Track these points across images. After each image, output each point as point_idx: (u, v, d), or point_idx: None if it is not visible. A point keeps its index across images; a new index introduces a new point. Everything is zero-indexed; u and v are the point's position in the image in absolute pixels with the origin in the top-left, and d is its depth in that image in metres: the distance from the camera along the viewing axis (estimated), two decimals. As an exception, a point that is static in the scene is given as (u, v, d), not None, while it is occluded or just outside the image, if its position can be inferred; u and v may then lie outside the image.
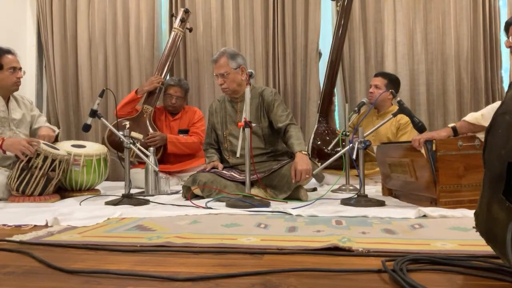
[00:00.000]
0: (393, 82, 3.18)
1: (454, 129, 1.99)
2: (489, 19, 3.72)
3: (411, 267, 0.98)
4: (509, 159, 0.88)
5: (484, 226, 0.99)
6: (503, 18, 3.71)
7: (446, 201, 1.90)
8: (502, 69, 3.74)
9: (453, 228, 1.47)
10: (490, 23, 3.73)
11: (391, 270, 0.93)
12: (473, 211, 1.69)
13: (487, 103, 3.64)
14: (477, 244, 1.16)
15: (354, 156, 2.13)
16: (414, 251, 1.13)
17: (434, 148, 1.91)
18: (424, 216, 1.72)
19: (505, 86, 3.69)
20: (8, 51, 2.63)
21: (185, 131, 3.46)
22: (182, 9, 3.64)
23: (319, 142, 3.23)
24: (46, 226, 1.61)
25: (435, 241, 1.26)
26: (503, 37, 3.67)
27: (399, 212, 1.79)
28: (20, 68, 2.65)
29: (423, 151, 1.92)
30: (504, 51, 3.70)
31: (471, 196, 1.89)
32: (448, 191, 1.91)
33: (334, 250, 1.17)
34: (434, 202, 1.94)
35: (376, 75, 3.29)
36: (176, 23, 3.60)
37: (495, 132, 0.92)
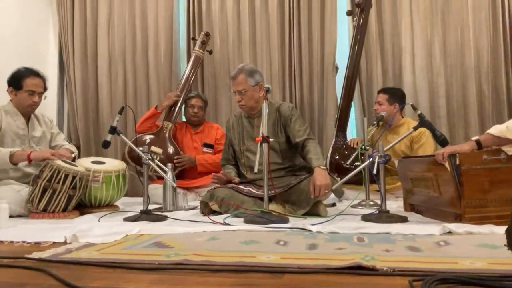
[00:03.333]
0: (395, 96, 3.15)
1: (478, 142, 1.93)
2: (509, 30, 3.65)
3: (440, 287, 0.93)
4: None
5: (517, 244, 0.94)
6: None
7: (471, 216, 1.83)
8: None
9: (480, 246, 1.41)
10: (510, 34, 3.66)
11: (419, 290, 0.89)
12: (501, 227, 1.64)
13: (510, 115, 3.55)
14: (509, 263, 1.11)
15: (374, 171, 2.08)
16: (441, 270, 1.08)
17: (457, 162, 1.85)
18: (449, 232, 1.66)
19: (529, 98, 3.60)
20: (35, 74, 2.68)
21: (210, 146, 3.51)
22: (203, 33, 3.73)
23: (337, 157, 3.19)
24: (65, 243, 1.61)
25: (463, 259, 1.20)
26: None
27: (423, 229, 1.73)
28: (41, 93, 2.70)
29: (447, 165, 1.87)
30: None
31: (498, 211, 1.82)
32: (473, 206, 1.84)
33: (357, 269, 1.13)
34: (459, 218, 1.88)
35: (378, 92, 3.27)
36: (197, 45, 3.70)
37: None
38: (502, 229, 1.60)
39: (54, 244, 1.59)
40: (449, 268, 1.12)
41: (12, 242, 1.66)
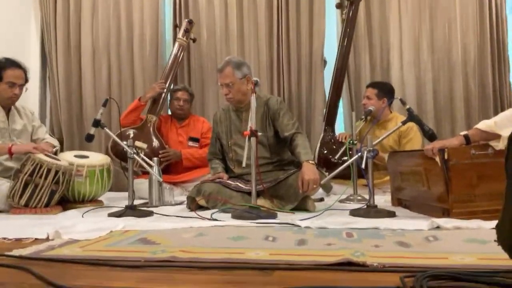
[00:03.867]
0: (384, 91, 3.14)
1: (466, 137, 1.93)
2: (496, 26, 3.69)
3: (431, 284, 0.92)
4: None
5: (508, 239, 0.93)
6: (510, 25, 3.67)
7: (459, 211, 1.84)
8: (510, 76, 3.69)
9: (469, 241, 1.41)
10: (497, 30, 3.69)
11: (411, 287, 0.88)
12: (489, 222, 1.65)
13: (495, 110, 3.59)
14: (498, 258, 1.10)
15: (363, 166, 2.07)
16: (432, 266, 1.07)
17: (446, 157, 1.85)
18: (438, 227, 1.66)
19: (514, 93, 3.64)
20: (16, 65, 2.59)
21: (196, 139, 3.45)
22: (186, 20, 3.64)
23: (325, 151, 3.18)
24: (47, 239, 1.56)
25: (453, 255, 1.20)
26: (511, 44, 3.64)
27: (412, 224, 1.73)
28: (22, 85, 2.61)
29: (437, 159, 1.87)
30: (513, 57, 3.65)
31: (486, 206, 1.83)
32: (461, 201, 1.85)
33: (347, 265, 1.11)
34: (446, 213, 1.88)
35: (367, 86, 3.26)
36: (180, 33, 3.60)
37: (519, 140, 0.87)
38: (489, 224, 1.62)
39: (36, 241, 1.54)
40: (440, 263, 1.11)
41: (-9, 238, 1.61)
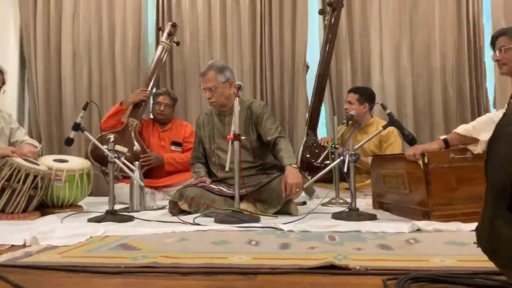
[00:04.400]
0: (365, 96, 3.18)
1: (445, 141, 1.97)
2: (473, 33, 3.78)
3: (413, 286, 0.93)
4: (513, 172, 0.84)
5: (487, 242, 0.95)
6: (486, 32, 3.77)
7: (439, 214, 1.87)
8: (487, 81, 3.79)
9: (449, 243, 1.43)
10: (474, 37, 3.79)
11: (393, 290, 0.88)
12: (467, 224, 1.69)
13: (473, 115, 3.68)
14: (477, 260, 1.13)
15: (345, 169, 2.09)
16: (413, 268, 1.08)
17: (426, 161, 1.89)
18: (418, 230, 1.68)
19: (490, 98, 3.73)
20: None
21: (179, 144, 3.42)
22: (170, 23, 3.62)
23: (308, 155, 3.19)
24: (24, 246, 1.52)
25: (433, 257, 1.22)
26: (487, 50, 3.73)
27: (393, 227, 1.75)
28: None
29: (420, 163, 1.90)
30: (489, 63, 3.75)
31: (464, 209, 1.87)
32: (440, 204, 1.88)
33: (330, 269, 1.12)
34: (426, 216, 1.91)
35: (349, 91, 3.28)
36: (164, 36, 3.58)
37: (498, 144, 0.89)
38: (468, 226, 1.66)
39: (12, 247, 1.50)
40: (421, 266, 1.13)
41: (-34, 245, 1.56)
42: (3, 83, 2.59)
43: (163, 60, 3.57)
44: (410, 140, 2.25)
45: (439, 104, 3.72)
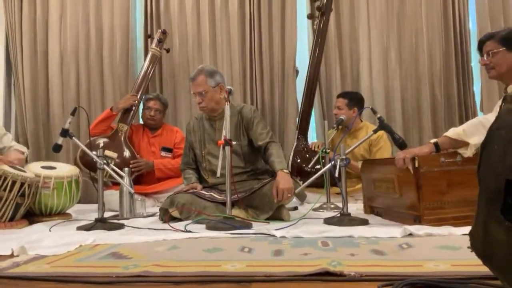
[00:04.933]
0: (354, 100, 3.20)
1: (436, 145, 1.98)
2: (460, 38, 3.82)
3: (409, 293, 0.93)
4: (506, 176, 0.84)
5: (481, 246, 0.95)
6: (473, 37, 3.83)
7: (430, 218, 1.88)
8: (474, 85, 3.83)
9: (442, 247, 1.43)
10: (461, 42, 3.83)
11: (389, 297, 0.88)
12: (459, 228, 1.69)
13: (461, 118, 3.72)
14: (470, 264, 1.13)
15: (337, 174, 2.09)
16: (408, 274, 1.08)
17: (416, 165, 1.89)
18: (410, 234, 1.68)
19: (477, 102, 3.78)
20: None
21: (169, 150, 3.40)
22: (160, 30, 3.61)
23: (298, 160, 3.19)
24: (12, 255, 1.49)
25: (427, 262, 1.22)
26: (473, 54, 3.78)
27: (385, 231, 1.75)
28: None
29: (410, 167, 1.91)
30: (476, 67, 3.80)
31: (455, 212, 1.88)
32: (431, 208, 1.89)
33: (325, 275, 1.11)
34: (418, 220, 1.91)
35: (338, 96, 3.30)
36: (154, 43, 3.56)
37: (490, 148, 0.89)
38: (460, 230, 1.67)
39: (0, 258, 1.46)
40: (415, 271, 1.12)
41: (-50, 256, 1.51)
42: None
43: (153, 67, 3.56)
44: (400, 144, 2.26)
45: (427, 108, 3.76)
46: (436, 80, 3.80)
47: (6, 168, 2.28)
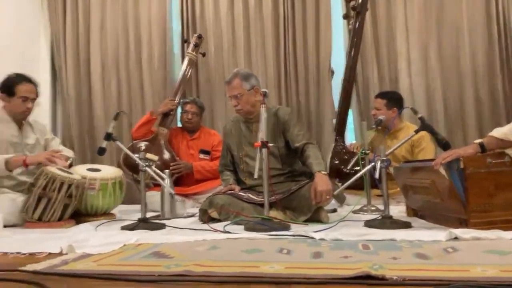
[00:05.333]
0: (393, 101, 3.10)
1: (481, 145, 1.89)
2: (504, 33, 3.67)
3: (455, 298, 0.90)
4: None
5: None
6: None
7: (477, 221, 1.79)
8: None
9: (489, 252, 1.37)
10: (505, 37, 3.67)
11: (434, 301, 0.85)
12: (508, 232, 1.61)
13: (508, 116, 3.56)
14: (522, 270, 1.08)
15: (377, 176, 2.04)
16: (453, 279, 1.04)
17: (462, 166, 1.82)
18: (456, 238, 1.62)
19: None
20: (27, 80, 2.62)
21: (207, 152, 3.46)
22: (196, 35, 3.68)
23: (337, 162, 3.15)
24: (61, 253, 1.56)
25: (474, 267, 1.17)
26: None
27: (429, 235, 1.70)
28: (34, 99, 2.64)
29: (442, 171, 1.83)
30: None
31: (504, 216, 1.79)
32: (478, 211, 1.81)
33: (366, 279, 1.09)
34: (464, 223, 1.84)
35: (376, 97, 3.21)
36: (190, 48, 3.64)
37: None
38: (509, 234, 1.59)
39: (50, 255, 1.54)
40: (461, 276, 1.08)
41: (6, 253, 1.60)
42: (37, 95, 2.68)
43: (190, 71, 3.63)
44: (444, 145, 2.18)
45: (472, 107, 3.62)
46: (479, 78, 3.66)
47: (55, 170, 2.39)
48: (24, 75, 2.65)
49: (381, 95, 3.21)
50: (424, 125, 2.25)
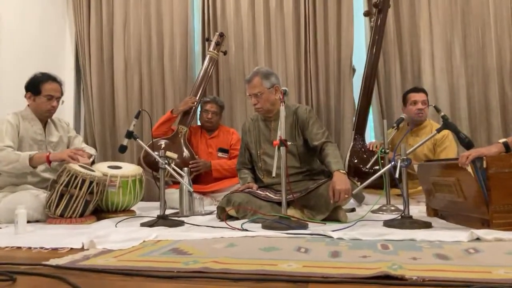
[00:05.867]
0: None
1: (505, 144, 1.84)
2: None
3: (476, 300, 0.88)
4: None
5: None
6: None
7: (500, 222, 1.75)
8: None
9: (513, 253, 1.34)
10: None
11: (454, 303, 0.84)
12: (534, 234, 1.56)
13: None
14: (547, 273, 1.05)
15: (397, 175, 2.01)
16: (475, 280, 1.02)
17: (484, 166, 1.78)
18: (477, 239, 1.59)
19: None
20: (52, 79, 2.69)
21: (226, 151, 3.49)
22: (217, 33, 3.70)
23: (355, 160, 3.12)
24: (82, 249, 1.60)
25: (496, 268, 1.14)
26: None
27: (450, 235, 1.67)
28: (59, 98, 2.70)
29: (469, 169, 1.79)
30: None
31: (529, 217, 1.74)
32: (502, 211, 1.76)
33: (384, 279, 1.07)
34: (486, 224, 1.80)
35: (418, 91, 3.11)
36: (211, 46, 3.67)
37: None
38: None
39: (72, 250, 1.57)
40: (483, 278, 1.06)
41: (30, 248, 1.65)
42: (62, 94, 2.75)
43: (211, 69, 3.65)
44: (467, 144, 2.13)
45: (497, 106, 3.52)
46: (506, 76, 3.56)
47: (77, 167, 2.44)
48: (49, 74, 2.71)
49: (423, 89, 3.14)
50: (447, 124, 2.20)
